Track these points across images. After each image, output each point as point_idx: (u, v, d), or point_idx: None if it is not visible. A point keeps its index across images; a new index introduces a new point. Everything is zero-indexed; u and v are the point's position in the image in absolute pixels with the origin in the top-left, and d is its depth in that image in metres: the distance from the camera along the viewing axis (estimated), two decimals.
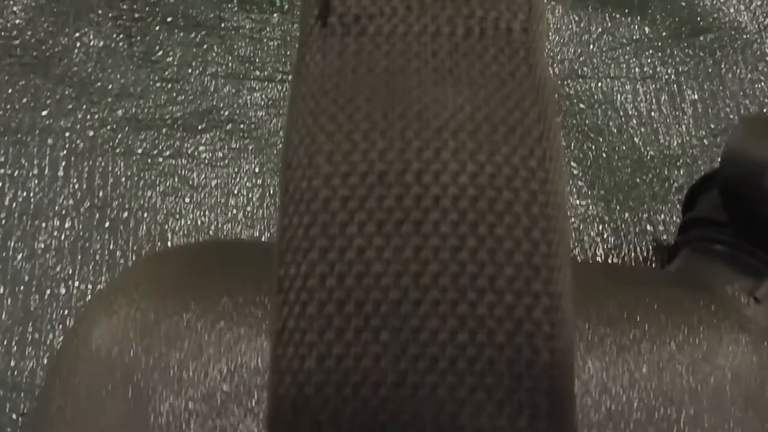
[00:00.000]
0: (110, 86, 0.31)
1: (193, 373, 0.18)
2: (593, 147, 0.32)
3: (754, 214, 0.21)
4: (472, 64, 0.15)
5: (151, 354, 0.18)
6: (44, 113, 0.30)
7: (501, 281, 0.13)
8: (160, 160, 0.30)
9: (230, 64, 0.32)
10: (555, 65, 0.33)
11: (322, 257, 0.13)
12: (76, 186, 0.29)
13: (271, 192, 0.30)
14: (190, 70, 0.32)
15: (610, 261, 0.29)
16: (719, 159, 0.21)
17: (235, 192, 0.30)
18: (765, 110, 0.33)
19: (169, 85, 0.31)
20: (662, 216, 0.31)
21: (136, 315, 0.18)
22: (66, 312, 0.27)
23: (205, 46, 0.32)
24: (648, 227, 0.31)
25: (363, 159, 0.14)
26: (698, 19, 0.35)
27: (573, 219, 0.30)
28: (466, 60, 0.15)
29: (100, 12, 0.32)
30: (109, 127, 0.30)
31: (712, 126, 0.33)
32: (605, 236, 0.30)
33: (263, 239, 0.29)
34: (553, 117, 0.15)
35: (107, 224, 0.29)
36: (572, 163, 0.31)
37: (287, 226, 0.13)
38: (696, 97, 0.33)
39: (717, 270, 0.23)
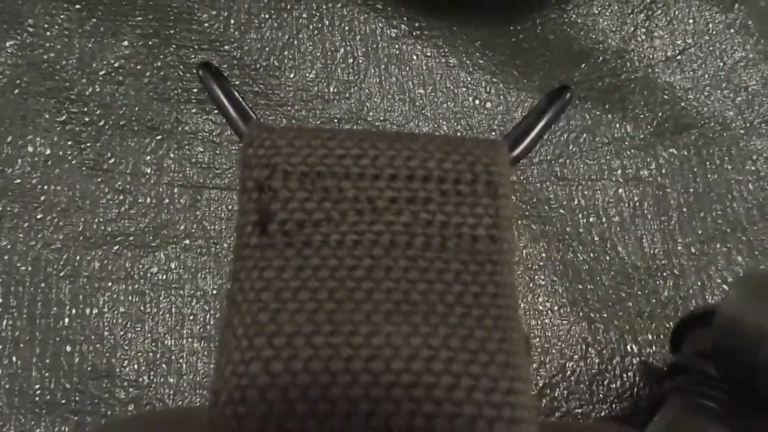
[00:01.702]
0: (56, 200, 0.29)
1: None
2: (574, 258, 0.30)
3: (751, 387, 0.19)
4: (432, 286, 0.13)
5: None
6: None
7: None
8: (110, 284, 0.28)
9: (187, 172, 0.30)
10: (533, 167, 0.32)
11: None
12: (15, 316, 0.27)
13: None
14: (143, 180, 0.30)
15: (594, 398, 0.27)
16: (713, 323, 0.19)
17: (191, 318, 0.28)
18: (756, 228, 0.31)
19: (121, 197, 0.29)
20: (649, 335, 0.29)
21: None
22: None
23: (160, 152, 0.30)
24: (634, 348, 0.29)
25: None
26: (682, 113, 0.33)
27: (556, 341, 0.28)
28: (425, 280, 0.13)
29: (47, 116, 0.30)
30: (53, 246, 0.28)
31: (699, 232, 0.31)
32: (588, 361, 0.28)
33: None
34: (525, 351, 0.13)
35: (48, 360, 0.26)
36: (553, 277, 0.30)
37: None
38: (681, 200, 0.31)
39: None
